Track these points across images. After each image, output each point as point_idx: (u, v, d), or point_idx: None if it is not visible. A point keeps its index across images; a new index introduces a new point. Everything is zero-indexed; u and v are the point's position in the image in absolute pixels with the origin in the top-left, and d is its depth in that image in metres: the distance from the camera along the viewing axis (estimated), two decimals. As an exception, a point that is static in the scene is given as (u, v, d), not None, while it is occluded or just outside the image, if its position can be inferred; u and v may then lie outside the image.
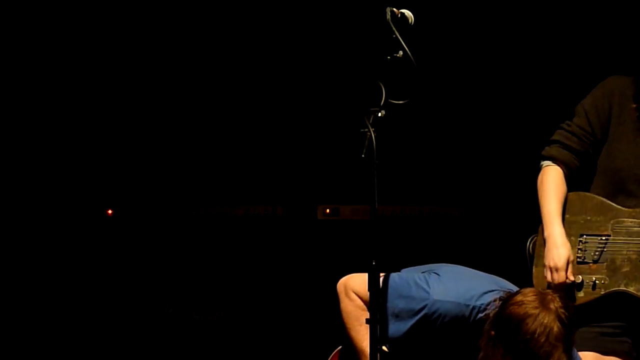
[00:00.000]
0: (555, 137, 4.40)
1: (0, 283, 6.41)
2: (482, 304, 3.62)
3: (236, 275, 6.39)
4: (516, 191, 6.37)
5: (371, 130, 3.25)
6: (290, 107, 6.62)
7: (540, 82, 6.46)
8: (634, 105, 4.31)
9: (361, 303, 3.68)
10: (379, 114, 3.29)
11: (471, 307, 3.61)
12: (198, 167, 6.69)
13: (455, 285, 3.64)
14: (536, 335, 3.43)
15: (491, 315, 3.57)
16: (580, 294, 4.24)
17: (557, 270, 4.17)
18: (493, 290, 3.66)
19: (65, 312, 6.50)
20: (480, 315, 3.60)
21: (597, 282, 4.22)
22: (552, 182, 4.31)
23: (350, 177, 3.72)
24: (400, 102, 3.56)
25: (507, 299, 3.55)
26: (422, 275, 3.69)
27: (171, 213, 6.70)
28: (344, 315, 3.69)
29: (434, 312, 3.60)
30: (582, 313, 4.15)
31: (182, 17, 6.44)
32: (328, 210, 6.47)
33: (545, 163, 4.39)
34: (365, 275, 3.49)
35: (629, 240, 4.24)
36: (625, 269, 4.22)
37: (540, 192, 4.33)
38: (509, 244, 6.15)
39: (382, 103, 3.32)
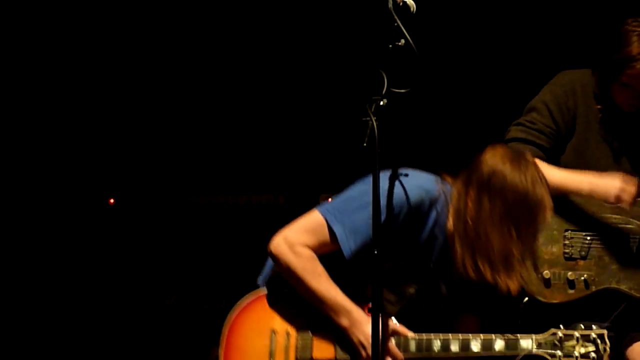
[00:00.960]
0: (522, 135, 4.38)
1: (4, 271, 6.43)
2: (434, 189, 3.62)
3: (238, 264, 6.36)
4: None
5: (373, 118, 3.22)
6: (292, 96, 6.60)
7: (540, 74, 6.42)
8: (598, 107, 4.31)
9: (311, 253, 3.58)
10: (381, 103, 3.27)
11: (429, 192, 3.62)
12: (200, 156, 6.69)
13: (404, 180, 3.63)
14: (526, 180, 3.46)
15: (458, 185, 3.57)
16: (571, 291, 4.25)
17: (623, 191, 4.19)
18: (435, 181, 3.67)
19: (67, 301, 6.52)
20: (437, 201, 3.60)
21: (587, 279, 4.25)
22: (546, 168, 4.18)
23: (352, 166, 3.67)
24: (403, 90, 3.53)
25: (477, 160, 3.54)
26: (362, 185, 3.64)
27: (173, 202, 6.70)
28: (298, 272, 3.57)
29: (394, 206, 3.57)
30: (570, 310, 4.20)
31: (182, 8, 6.44)
32: (330, 199, 6.48)
33: None
34: (302, 222, 3.56)
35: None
36: (614, 266, 4.25)
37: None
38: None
39: (384, 92, 3.30)
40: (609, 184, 4.16)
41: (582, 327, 3.58)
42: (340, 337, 3.59)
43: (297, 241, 3.58)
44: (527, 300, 4.28)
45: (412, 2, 3.41)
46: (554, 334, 3.55)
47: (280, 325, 3.65)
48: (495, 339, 3.53)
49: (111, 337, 6.54)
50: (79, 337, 6.49)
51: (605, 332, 3.57)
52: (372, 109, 3.24)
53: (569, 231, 4.30)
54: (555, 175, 4.22)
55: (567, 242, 4.28)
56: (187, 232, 6.65)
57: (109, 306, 6.55)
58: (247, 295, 3.70)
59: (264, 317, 3.66)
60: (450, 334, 3.54)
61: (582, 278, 4.24)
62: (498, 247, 3.48)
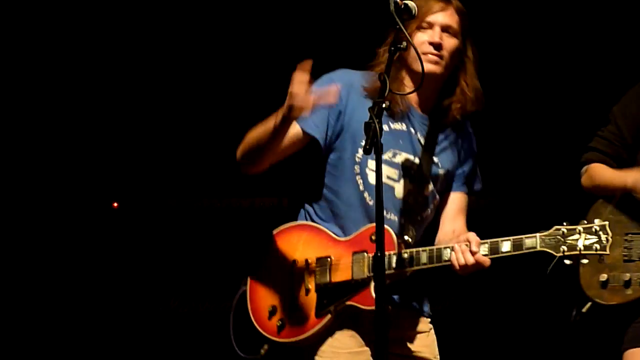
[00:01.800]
0: (591, 144, 4.50)
1: (9, 274, 6.44)
2: None
3: (242, 267, 6.42)
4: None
5: (375, 121, 3.24)
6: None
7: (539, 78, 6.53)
8: None
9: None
10: (383, 105, 3.28)
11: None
12: (203, 160, 6.65)
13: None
14: None
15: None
16: (629, 291, 4.29)
17: None
18: None
19: (72, 303, 6.53)
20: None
21: None
22: (602, 168, 4.38)
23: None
24: (405, 93, 3.61)
25: None
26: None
27: (177, 205, 6.76)
28: (245, 143, 3.72)
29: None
30: (631, 309, 4.25)
31: (184, 9, 6.42)
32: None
33: (585, 167, 4.49)
34: None
35: None
36: None
37: (596, 180, 4.39)
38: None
39: (386, 94, 3.30)
40: None
41: (586, 222, 3.60)
42: (358, 254, 3.67)
43: None
44: (590, 306, 4.34)
45: (414, 4, 3.42)
46: (558, 229, 3.59)
47: (300, 254, 3.74)
48: (502, 242, 3.58)
49: (115, 339, 6.57)
50: (84, 339, 6.51)
51: (607, 223, 3.59)
52: (375, 112, 3.25)
53: (629, 234, 4.34)
54: (605, 174, 4.34)
55: (627, 244, 4.33)
56: (191, 235, 6.68)
57: (113, 309, 6.57)
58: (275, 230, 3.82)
59: (287, 249, 3.77)
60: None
61: (639, 278, 4.27)
62: None
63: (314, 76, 3.53)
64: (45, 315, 6.52)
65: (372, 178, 3.71)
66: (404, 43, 3.42)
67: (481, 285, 6.55)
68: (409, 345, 3.79)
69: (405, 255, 3.62)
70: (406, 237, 3.69)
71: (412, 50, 3.51)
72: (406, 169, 3.75)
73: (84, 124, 6.57)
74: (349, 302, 3.65)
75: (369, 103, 3.35)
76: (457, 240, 3.62)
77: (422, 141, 3.79)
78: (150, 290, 6.61)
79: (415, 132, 3.79)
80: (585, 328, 4.44)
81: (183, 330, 6.58)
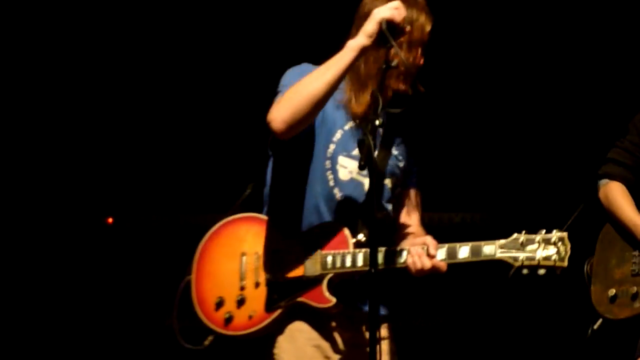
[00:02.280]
0: (610, 155, 4.56)
1: (1, 291, 6.38)
2: None
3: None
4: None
5: (369, 138, 3.25)
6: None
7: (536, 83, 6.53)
8: None
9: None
10: (377, 122, 3.30)
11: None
12: (201, 175, 6.64)
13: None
14: None
15: None
16: (637, 304, 4.36)
17: None
18: None
19: (65, 319, 6.49)
20: None
21: None
22: (620, 195, 4.46)
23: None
24: (397, 110, 3.58)
25: None
26: None
27: (172, 221, 6.69)
28: (300, 90, 3.58)
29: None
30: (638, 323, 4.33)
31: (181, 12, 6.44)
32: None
33: (602, 181, 4.55)
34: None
35: None
36: None
37: (614, 207, 4.46)
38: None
39: (379, 111, 3.32)
40: None
41: (544, 231, 3.59)
42: (311, 251, 3.64)
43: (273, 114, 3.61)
44: (601, 322, 4.41)
45: (407, 25, 3.49)
46: (517, 238, 3.58)
47: (250, 247, 3.69)
48: (460, 247, 3.58)
49: (109, 357, 6.49)
50: (77, 356, 6.43)
51: (566, 234, 3.58)
52: (369, 128, 3.27)
53: (638, 250, 4.41)
54: (623, 209, 4.46)
55: (635, 260, 4.40)
56: (187, 251, 6.54)
57: (107, 326, 6.52)
58: (219, 222, 3.74)
59: (235, 240, 3.72)
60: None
61: None
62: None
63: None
64: (38, 331, 6.46)
65: (343, 174, 3.71)
66: (395, 61, 3.43)
67: (476, 298, 6.65)
68: (362, 349, 3.73)
69: (360, 256, 3.61)
70: (360, 236, 3.66)
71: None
72: (357, 157, 3.67)
73: (78, 138, 6.56)
74: (300, 299, 3.64)
75: (337, 97, 3.51)
76: (414, 243, 3.63)
77: (381, 134, 3.78)
78: (144, 307, 6.53)
79: (380, 124, 3.72)
80: (598, 343, 4.50)
81: (176, 347, 6.46)
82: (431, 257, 3.54)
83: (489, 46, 6.43)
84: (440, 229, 6.23)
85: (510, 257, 3.56)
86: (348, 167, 3.72)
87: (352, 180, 3.71)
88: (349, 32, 3.64)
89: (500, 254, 3.56)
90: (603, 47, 6.32)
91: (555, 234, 3.56)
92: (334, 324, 3.72)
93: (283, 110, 3.50)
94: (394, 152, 3.81)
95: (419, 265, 3.53)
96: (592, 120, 6.29)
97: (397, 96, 3.67)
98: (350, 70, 3.53)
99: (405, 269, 3.58)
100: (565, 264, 3.55)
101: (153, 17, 6.36)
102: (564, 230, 3.57)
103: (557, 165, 6.45)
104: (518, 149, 6.67)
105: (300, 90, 3.50)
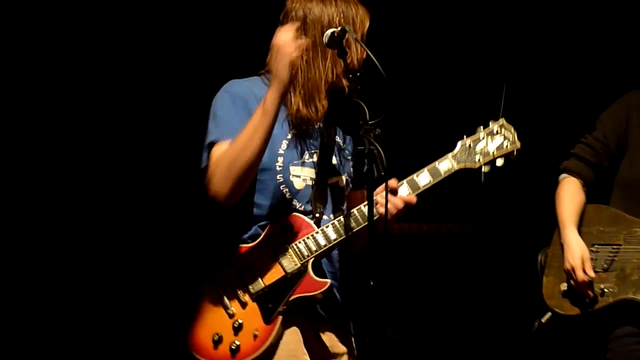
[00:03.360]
0: (573, 150, 4.54)
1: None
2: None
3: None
4: (519, 205, 6.43)
5: (378, 146, 3.25)
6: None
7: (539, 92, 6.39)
8: None
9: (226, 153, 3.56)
10: (377, 132, 3.31)
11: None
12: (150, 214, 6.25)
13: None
14: None
15: None
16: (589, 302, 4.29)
17: (574, 269, 4.26)
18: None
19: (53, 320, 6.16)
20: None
21: (605, 290, 4.27)
22: (567, 192, 4.43)
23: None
24: (375, 120, 3.45)
25: None
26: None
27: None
28: (231, 153, 3.53)
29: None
30: (594, 321, 4.29)
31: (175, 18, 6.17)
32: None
33: (562, 176, 4.53)
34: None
35: None
36: (635, 277, 4.25)
37: (556, 202, 4.45)
38: (514, 258, 6.11)
39: (373, 121, 3.34)
40: (568, 254, 4.32)
41: (482, 127, 3.66)
42: (279, 250, 3.63)
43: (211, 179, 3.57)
44: (550, 317, 4.35)
45: (349, 28, 3.52)
46: (463, 143, 3.64)
47: (217, 277, 3.64)
48: (418, 175, 3.64)
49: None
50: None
51: (503, 119, 3.65)
52: (372, 137, 3.28)
53: (596, 245, 4.36)
54: (562, 208, 4.43)
55: (592, 255, 4.33)
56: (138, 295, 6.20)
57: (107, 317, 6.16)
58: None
59: (209, 289, 3.65)
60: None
61: (600, 289, 4.28)
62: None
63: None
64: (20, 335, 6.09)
65: (298, 184, 3.67)
66: (354, 63, 3.56)
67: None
68: None
69: (330, 229, 3.62)
70: (317, 215, 3.66)
71: (342, 66, 3.54)
72: (322, 165, 3.72)
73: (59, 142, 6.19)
74: (293, 297, 3.60)
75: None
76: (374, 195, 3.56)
77: (327, 133, 3.76)
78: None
79: (323, 126, 3.77)
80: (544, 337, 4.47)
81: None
82: (395, 194, 3.55)
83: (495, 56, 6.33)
84: (439, 241, 6.44)
85: (468, 163, 3.63)
86: (301, 175, 3.69)
87: (307, 187, 3.68)
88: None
89: (458, 165, 3.63)
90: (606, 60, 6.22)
91: (494, 124, 3.65)
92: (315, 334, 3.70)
93: (224, 185, 3.51)
94: (347, 151, 3.82)
95: (392, 209, 3.53)
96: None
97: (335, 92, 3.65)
98: (293, 80, 3.53)
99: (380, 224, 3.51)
100: (518, 144, 3.62)
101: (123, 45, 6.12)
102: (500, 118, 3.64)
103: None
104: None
105: (234, 162, 3.50)
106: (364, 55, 3.62)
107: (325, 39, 3.52)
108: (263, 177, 3.64)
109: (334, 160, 3.76)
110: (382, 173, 3.22)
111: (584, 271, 4.25)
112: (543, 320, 4.36)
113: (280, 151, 3.62)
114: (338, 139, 3.79)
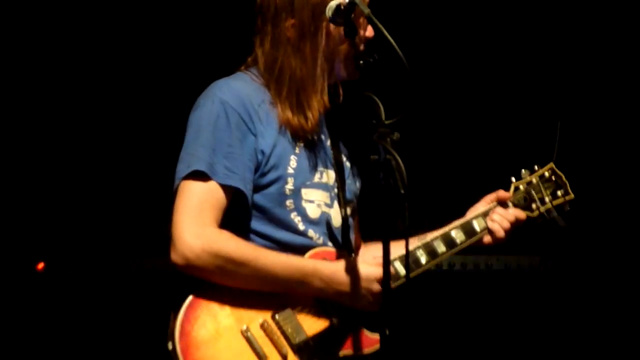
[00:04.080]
0: None
1: None
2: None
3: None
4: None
5: (395, 155, 2.64)
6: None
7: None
8: None
9: (221, 231, 3.03)
10: (394, 137, 2.70)
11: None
12: (144, 215, 6.21)
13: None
14: None
15: None
16: None
17: None
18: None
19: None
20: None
21: None
22: None
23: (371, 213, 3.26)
24: (394, 119, 2.90)
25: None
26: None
27: (112, 266, 6.31)
28: (230, 263, 2.99)
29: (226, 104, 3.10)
30: None
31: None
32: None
33: None
34: (182, 205, 3.02)
35: None
36: None
37: None
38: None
39: (389, 122, 2.75)
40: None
41: (528, 171, 3.52)
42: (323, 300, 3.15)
43: (198, 230, 3.01)
44: None
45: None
46: (516, 187, 3.48)
47: (248, 318, 3.08)
48: (452, 232, 3.38)
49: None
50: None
51: (553, 165, 3.52)
52: (389, 144, 2.67)
53: None
54: None
55: None
56: (129, 299, 6.21)
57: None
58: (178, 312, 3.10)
59: (222, 317, 3.08)
60: (418, 242, 3.32)
61: None
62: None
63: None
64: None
65: (312, 210, 3.18)
66: (362, 46, 3.05)
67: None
68: None
69: (420, 251, 3.28)
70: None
71: (347, 50, 3.05)
72: (334, 188, 3.26)
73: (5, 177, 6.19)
74: (342, 353, 3.15)
75: (275, 114, 3.06)
76: (482, 210, 3.39)
77: (331, 148, 3.31)
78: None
79: (326, 138, 3.29)
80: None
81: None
82: (506, 205, 3.37)
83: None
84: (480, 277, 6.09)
85: (527, 211, 3.44)
86: (315, 200, 3.19)
87: (323, 215, 3.18)
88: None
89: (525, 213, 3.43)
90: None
91: (543, 169, 3.47)
92: None
93: (202, 268, 3.01)
94: (352, 171, 3.36)
95: (506, 224, 3.35)
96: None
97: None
98: (288, 72, 3.10)
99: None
100: (572, 195, 3.49)
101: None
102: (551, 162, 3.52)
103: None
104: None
105: (227, 268, 3.00)
106: (370, 35, 3.13)
107: (329, 12, 2.96)
108: (268, 204, 3.10)
109: (348, 179, 3.30)
110: (402, 191, 2.61)
111: None
112: None
113: (290, 170, 3.10)
114: (343, 149, 3.32)
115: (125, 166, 6.20)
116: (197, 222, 2.98)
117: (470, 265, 6.05)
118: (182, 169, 3.05)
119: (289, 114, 3.11)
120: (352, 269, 3.07)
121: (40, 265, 6.22)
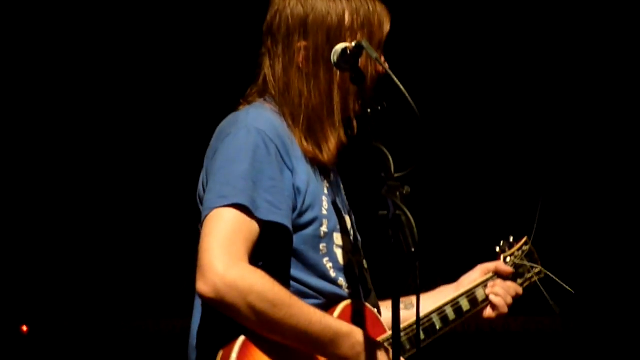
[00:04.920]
0: None
1: None
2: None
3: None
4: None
5: (406, 211, 2.43)
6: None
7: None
8: None
9: (255, 269, 2.76)
10: (404, 191, 2.48)
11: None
12: (128, 276, 6.19)
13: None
14: None
15: None
16: None
17: None
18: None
19: None
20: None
21: None
22: None
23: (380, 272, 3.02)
24: (405, 172, 2.69)
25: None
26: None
27: (98, 327, 6.30)
28: (269, 299, 2.74)
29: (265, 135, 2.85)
30: None
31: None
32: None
33: None
34: (213, 235, 2.73)
35: None
36: None
37: None
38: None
39: (399, 175, 2.54)
40: None
41: (506, 244, 3.44)
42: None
43: (232, 261, 2.73)
44: None
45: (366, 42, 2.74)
46: (504, 258, 3.41)
47: None
48: (460, 299, 3.23)
49: None
50: None
51: (528, 240, 3.45)
52: (399, 199, 2.45)
53: None
54: None
55: None
56: None
57: None
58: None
59: None
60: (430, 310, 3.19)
61: None
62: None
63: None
64: None
65: (342, 257, 2.97)
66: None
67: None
68: None
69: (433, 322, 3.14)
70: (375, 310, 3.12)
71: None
72: (346, 230, 3.04)
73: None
74: None
75: (298, 149, 2.88)
76: (480, 280, 3.26)
77: (341, 187, 3.13)
78: None
79: (336, 177, 3.09)
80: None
81: None
82: (507, 278, 3.29)
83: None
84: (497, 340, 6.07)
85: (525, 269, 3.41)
86: (343, 245, 2.98)
87: (350, 262, 2.96)
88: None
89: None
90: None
91: (522, 244, 3.38)
92: None
93: (235, 308, 2.72)
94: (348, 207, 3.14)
95: (509, 300, 3.24)
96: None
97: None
98: (302, 99, 2.87)
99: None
100: (543, 274, 3.42)
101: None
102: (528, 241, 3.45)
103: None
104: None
105: (276, 316, 2.73)
106: (380, 73, 2.92)
107: (334, 57, 2.74)
108: (302, 246, 2.86)
109: (353, 221, 3.12)
110: (412, 249, 2.44)
111: None
112: None
113: (324, 211, 2.89)
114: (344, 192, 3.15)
115: (108, 227, 6.16)
116: (230, 252, 2.73)
117: (487, 326, 5.87)
118: (214, 200, 2.78)
119: (303, 141, 2.89)
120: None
121: (25, 328, 6.16)
